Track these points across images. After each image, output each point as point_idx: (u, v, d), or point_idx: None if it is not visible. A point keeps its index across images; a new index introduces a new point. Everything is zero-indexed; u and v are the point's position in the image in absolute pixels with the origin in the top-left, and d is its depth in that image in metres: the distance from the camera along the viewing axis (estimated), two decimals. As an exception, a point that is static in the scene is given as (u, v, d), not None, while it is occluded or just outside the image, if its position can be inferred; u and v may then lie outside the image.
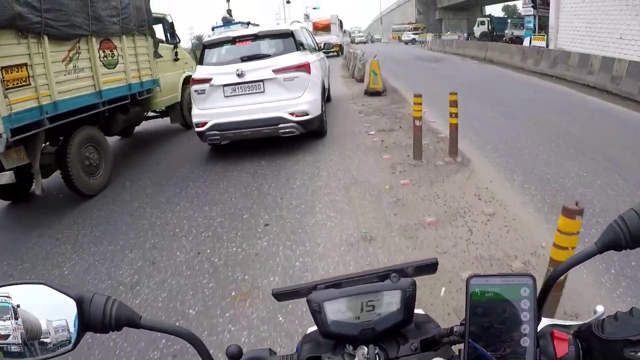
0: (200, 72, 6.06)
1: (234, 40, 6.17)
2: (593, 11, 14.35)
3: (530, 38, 20.19)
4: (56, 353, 0.62)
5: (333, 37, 31.07)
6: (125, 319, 0.65)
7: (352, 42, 50.98)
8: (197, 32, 77.76)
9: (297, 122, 5.78)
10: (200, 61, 6.34)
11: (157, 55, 7.01)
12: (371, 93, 10.77)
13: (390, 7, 77.41)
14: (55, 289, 0.62)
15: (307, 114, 5.84)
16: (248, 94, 5.80)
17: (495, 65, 16.98)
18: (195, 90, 5.93)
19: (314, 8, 45.81)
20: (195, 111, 5.97)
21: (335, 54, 29.30)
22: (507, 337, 0.59)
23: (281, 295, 0.75)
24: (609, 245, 0.64)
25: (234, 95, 5.81)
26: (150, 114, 8.10)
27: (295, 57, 6.00)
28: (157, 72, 7.07)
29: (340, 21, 34.80)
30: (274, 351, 0.74)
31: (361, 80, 12.50)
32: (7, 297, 0.61)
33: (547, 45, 16.98)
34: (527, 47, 15.75)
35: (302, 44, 6.45)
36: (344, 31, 39.81)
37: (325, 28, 32.13)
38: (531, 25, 21.79)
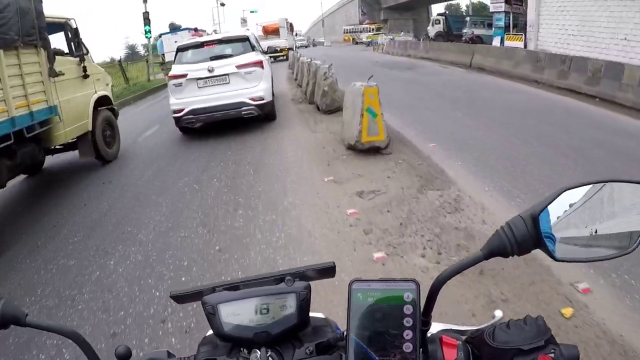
0: (176, 69, 7.72)
1: (202, 44, 7.89)
2: (587, 7, 12.44)
3: (502, 38, 18.55)
4: None
5: (282, 41, 31.98)
6: (10, 317, 0.65)
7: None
8: (132, 40, 74.86)
9: (256, 105, 7.52)
10: (174, 61, 7.99)
11: (53, 73, 5.34)
12: (364, 150, 5.83)
13: (332, 9, 74.01)
14: None
15: (263, 99, 7.60)
16: (217, 85, 7.50)
17: (493, 76, 13.56)
18: (174, 84, 7.58)
19: (252, 11, 43.43)
20: (172, 101, 7.62)
21: (284, 57, 29.48)
22: (391, 342, 0.59)
23: (179, 298, 0.75)
24: (494, 252, 0.64)
25: (206, 87, 7.50)
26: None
27: (252, 56, 7.79)
28: (55, 96, 5.37)
29: (291, 24, 35.41)
30: (172, 353, 0.74)
31: (328, 111, 8.70)
32: None
33: (526, 46, 15.62)
34: (541, 53, 12.46)
35: (254, 47, 8.24)
36: (295, 34, 39.59)
37: (275, 32, 33.53)
38: (501, 23, 19.64)
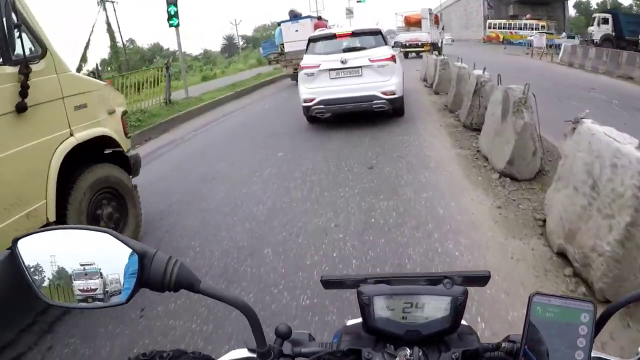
0: (308, 59, 7.79)
1: (334, 36, 7.88)
2: None
3: None
4: (108, 304, 0.63)
5: (424, 35, 26.95)
6: (184, 281, 0.65)
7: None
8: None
9: (387, 99, 7.33)
10: (306, 51, 8.09)
11: None
12: None
13: (446, 2, 63.76)
14: (118, 239, 0.62)
15: (394, 93, 7.38)
16: (349, 77, 7.44)
17: None
18: (305, 73, 7.67)
19: (359, 1, 37.94)
20: (303, 89, 7.70)
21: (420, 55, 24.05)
22: None
23: (329, 283, 0.75)
24: None
25: (338, 78, 7.48)
26: None
27: (385, 50, 7.61)
28: None
29: (436, 16, 30.18)
30: (313, 337, 0.77)
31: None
32: (92, 263, 0.61)
33: None
34: None
35: (387, 40, 8.02)
36: (442, 28, 32.61)
37: (418, 23, 28.79)
38: None
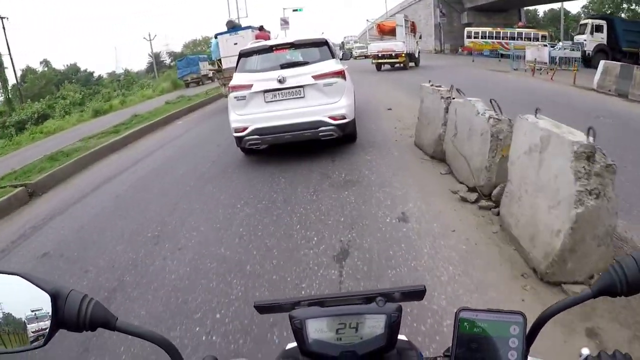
0: (239, 79, 6.29)
1: (270, 49, 6.40)
2: None
3: None
4: (25, 348, 0.60)
5: (399, 44, 23.63)
6: (100, 319, 0.63)
7: (347, 56, 39.74)
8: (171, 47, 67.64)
9: (336, 125, 5.96)
10: (236, 69, 6.57)
11: None
12: None
13: (392, 10, 54.90)
14: (30, 282, 0.60)
15: (345, 117, 6.02)
16: (288, 99, 6.00)
17: None
18: (235, 97, 6.16)
19: (295, 10, 33.49)
20: (233, 117, 6.20)
21: (400, 65, 23.24)
22: None
23: (263, 308, 0.74)
24: (604, 291, 0.63)
25: (275, 101, 6.02)
26: None
27: (332, 65, 6.20)
28: None
29: (413, 23, 27.35)
30: None
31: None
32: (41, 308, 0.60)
33: None
34: None
35: (334, 53, 6.63)
36: (420, 37, 29.09)
37: (391, 32, 25.33)
38: None
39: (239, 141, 6.29)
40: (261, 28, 13.81)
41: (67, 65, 59.13)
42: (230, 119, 6.27)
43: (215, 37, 14.47)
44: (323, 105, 5.95)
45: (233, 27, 14.67)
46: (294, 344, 0.73)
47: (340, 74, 6.10)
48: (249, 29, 14.21)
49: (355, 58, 42.32)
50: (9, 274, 0.61)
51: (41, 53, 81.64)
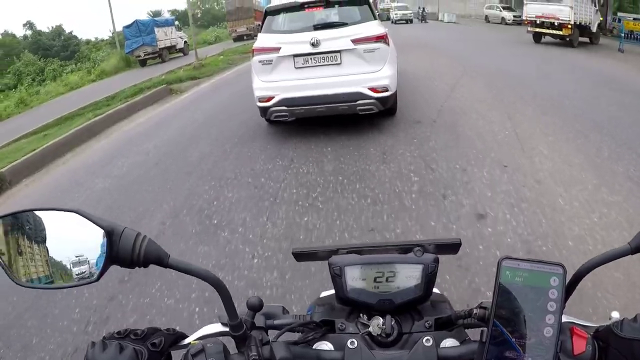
0: (264, 40, 5.46)
1: (302, 6, 5.53)
2: None
3: None
4: (79, 283, 0.61)
5: (564, 9, 14.56)
6: (153, 256, 0.63)
7: (382, 17, 29.05)
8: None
9: (377, 99, 5.16)
10: (261, 28, 5.74)
11: None
12: None
13: None
14: (87, 218, 0.60)
15: (387, 90, 5.20)
16: (322, 66, 5.19)
17: None
18: (260, 61, 5.34)
19: None
20: (258, 84, 5.39)
21: (567, 40, 14.68)
22: (531, 325, 0.57)
23: (301, 255, 0.77)
24: None
25: (306, 67, 5.21)
26: None
27: (375, 27, 5.37)
28: None
29: None
30: (287, 309, 0.76)
31: None
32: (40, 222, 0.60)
33: None
34: None
35: (375, 14, 5.77)
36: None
37: None
38: None
39: (264, 112, 5.48)
40: None
41: (51, 27, 52.05)
42: (254, 85, 5.45)
43: None
44: (363, 75, 5.13)
45: None
46: (329, 292, 0.76)
47: (383, 38, 5.26)
48: None
49: (394, 22, 31.62)
50: (66, 210, 0.61)
51: (27, 14, 73.29)
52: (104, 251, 0.61)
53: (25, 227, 0.62)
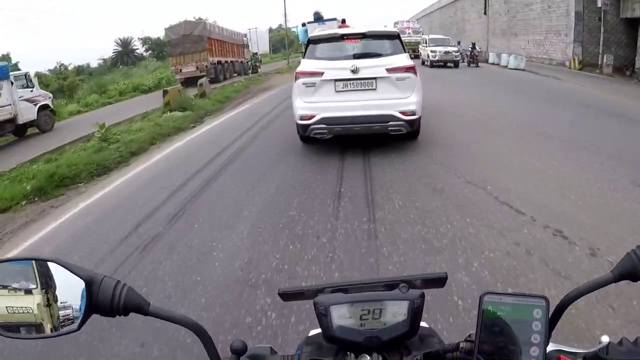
0: (308, 65, 6.22)
1: (342, 37, 6.33)
2: None
3: None
4: (60, 333, 0.62)
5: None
6: (133, 304, 0.65)
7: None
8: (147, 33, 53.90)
9: (406, 121, 5.90)
10: (304, 55, 6.54)
11: None
12: None
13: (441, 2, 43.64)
14: (66, 268, 0.62)
15: (415, 114, 5.96)
16: (360, 90, 5.92)
17: None
18: (304, 83, 6.07)
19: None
20: (300, 104, 6.08)
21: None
22: (516, 358, 0.60)
23: (287, 296, 0.74)
24: (625, 275, 0.64)
25: (346, 91, 5.93)
26: None
27: (404, 59, 6.17)
28: None
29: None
30: (274, 350, 0.75)
31: None
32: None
33: None
34: None
35: (405, 48, 6.56)
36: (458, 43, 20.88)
37: None
38: None
39: (304, 129, 6.15)
40: (343, 21, 14.29)
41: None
42: (296, 105, 6.13)
43: (304, 25, 15.37)
44: (395, 100, 5.86)
45: (319, 17, 15.63)
46: (317, 331, 0.74)
47: (412, 68, 6.04)
48: (334, 20, 14.82)
49: (431, 65, 22.68)
50: (44, 260, 0.62)
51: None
52: (83, 300, 0.62)
53: (6, 278, 0.63)
